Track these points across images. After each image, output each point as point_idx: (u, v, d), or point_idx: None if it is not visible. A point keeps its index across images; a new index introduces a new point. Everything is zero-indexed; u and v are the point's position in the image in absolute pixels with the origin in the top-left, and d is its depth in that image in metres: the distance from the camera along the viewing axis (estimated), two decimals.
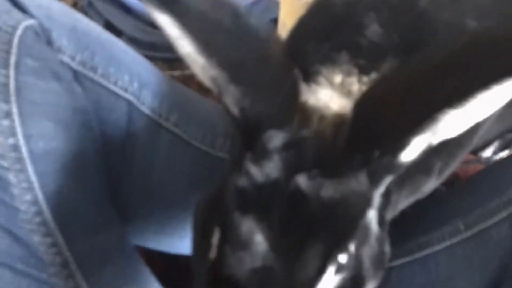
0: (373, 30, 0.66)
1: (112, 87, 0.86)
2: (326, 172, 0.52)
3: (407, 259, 0.82)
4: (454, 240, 0.79)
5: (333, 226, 0.51)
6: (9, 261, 0.76)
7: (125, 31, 1.48)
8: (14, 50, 0.75)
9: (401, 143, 0.50)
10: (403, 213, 0.77)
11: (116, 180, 0.90)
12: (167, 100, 0.92)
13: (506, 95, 0.47)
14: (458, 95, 0.46)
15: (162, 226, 0.96)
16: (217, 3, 0.57)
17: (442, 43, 0.54)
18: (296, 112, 0.56)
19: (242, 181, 0.53)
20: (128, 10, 1.48)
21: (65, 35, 0.82)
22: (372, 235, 0.57)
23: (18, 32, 0.76)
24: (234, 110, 0.54)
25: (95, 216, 0.83)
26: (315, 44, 0.68)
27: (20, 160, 0.74)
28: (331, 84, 0.62)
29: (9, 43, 0.75)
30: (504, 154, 1.08)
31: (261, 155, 0.54)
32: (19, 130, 0.74)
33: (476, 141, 0.79)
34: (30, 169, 0.74)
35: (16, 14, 0.77)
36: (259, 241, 0.51)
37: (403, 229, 0.83)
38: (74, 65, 0.83)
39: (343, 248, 0.52)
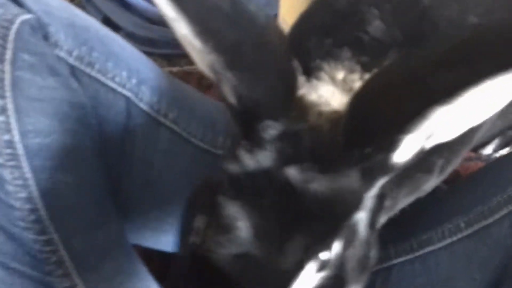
0: (376, 26, 0.66)
1: (110, 83, 0.86)
2: (318, 166, 0.52)
3: (408, 257, 0.82)
4: (455, 238, 0.79)
5: (319, 222, 0.51)
6: (2, 259, 0.75)
7: (123, 27, 1.47)
8: (10, 45, 0.74)
9: (392, 141, 0.50)
10: (404, 211, 0.76)
11: (115, 176, 0.89)
12: (166, 96, 0.91)
13: (496, 96, 0.47)
14: (446, 92, 0.46)
15: (161, 223, 0.95)
16: None
17: (437, 41, 0.54)
18: (293, 104, 0.56)
19: (234, 168, 0.53)
20: (126, 6, 1.47)
21: (63, 30, 0.82)
22: (359, 238, 0.56)
23: (15, 27, 0.75)
24: (231, 98, 0.54)
25: (93, 212, 0.83)
26: (317, 39, 0.68)
27: (15, 156, 0.73)
28: (333, 80, 0.62)
29: (5, 37, 0.74)
30: (504, 151, 1.08)
31: (255, 144, 0.54)
32: (14, 126, 0.73)
33: (478, 138, 0.78)
34: (25, 165, 0.74)
35: (13, 8, 0.77)
36: (244, 227, 0.51)
37: (403, 227, 0.83)
38: (71, 60, 0.82)
39: (326, 246, 0.52)
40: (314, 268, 0.52)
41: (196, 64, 0.56)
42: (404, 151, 0.51)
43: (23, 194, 0.74)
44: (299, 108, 0.56)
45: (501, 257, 0.75)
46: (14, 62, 0.74)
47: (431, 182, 0.75)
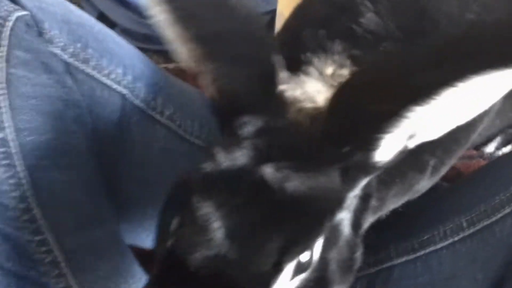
0: (369, 18, 0.66)
1: (105, 80, 0.85)
2: (295, 164, 0.50)
3: (409, 257, 0.81)
4: (457, 237, 0.78)
5: (296, 222, 0.50)
6: None
7: (119, 23, 1.47)
8: (4, 42, 0.73)
9: (371, 140, 0.49)
10: (405, 210, 0.76)
11: (111, 174, 0.88)
12: (161, 93, 0.90)
13: (477, 95, 0.46)
14: (425, 92, 0.45)
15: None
16: None
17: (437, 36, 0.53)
18: (273, 100, 0.54)
19: (208, 166, 0.52)
20: (122, 2, 1.47)
21: (57, 26, 0.81)
22: (342, 238, 0.55)
23: (9, 24, 0.74)
24: (211, 90, 0.53)
25: (88, 211, 0.82)
26: (311, 31, 0.67)
27: (8, 155, 0.72)
28: (321, 75, 0.61)
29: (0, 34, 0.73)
30: (506, 149, 1.07)
31: (231, 140, 0.52)
32: (8, 124, 0.72)
33: (474, 137, 0.78)
34: (18, 164, 0.73)
35: (7, 5, 0.76)
36: (216, 228, 0.49)
37: (404, 226, 0.83)
38: (66, 57, 0.81)
39: (305, 246, 0.50)
40: (294, 270, 0.51)
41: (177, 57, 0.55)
42: (385, 151, 0.50)
43: (16, 193, 0.73)
44: (279, 104, 0.55)
45: (504, 256, 0.75)
46: (8, 59, 0.73)
47: (424, 182, 0.74)
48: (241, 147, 0.52)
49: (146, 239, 0.96)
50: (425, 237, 0.80)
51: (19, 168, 0.73)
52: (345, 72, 0.61)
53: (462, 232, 0.78)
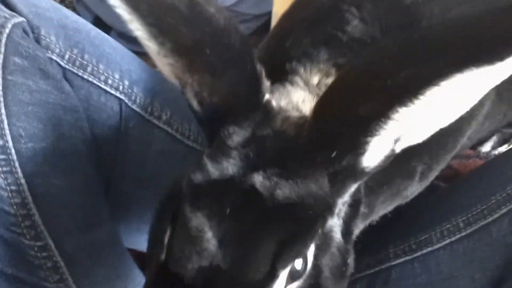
0: (354, 26, 0.65)
1: (102, 85, 0.85)
2: (284, 171, 0.51)
3: (407, 258, 0.81)
4: (453, 237, 0.78)
5: (288, 228, 0.50)
6: (0, 266, 0.75)
7: (114, 26, 1.46)
8: (1, 49, 0.73)
9: (357, 144, 0.49)
10: (404, 211, 0.76)
11: (109, 178, 0.89)
12: (158, 97, 0.90)
13: (461, 95, 0.46)
14: (407, 92, 0.46)
15: None
16: None
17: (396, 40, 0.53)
18: (258, 109, 0.54)
19: (197, 177, 0.52)
20: None
21: (54, 32, 0.81)
22: (334, 245, 0.55)
23: (6, 31, 0.74)
24: (194, 103, 0.53)
25: (88, 212, 0.82)
26: (295, 39, 0.67)
27: (8, 162, 0.72)
28: (307, 85, 0.61)
29: None
30: (503, 148, 1.08)
31: (219, 150, 0.52)
32: (7, 131, 0.72)
33: (463, 142, 0.78)
34: (18, 171, 0.73)
35: (4, 12, 0.76)
36: (208, 238, 0.49)
37: (402, 227, 0.83)
38: (63, 63, 0.81)
39: (298, 253, 0.50)
40: (287, 278, 0.51)
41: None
42: (373, 155, 0.50)
43: (17, 200, 0.73)
44: (265, 113, 0.54)
45: (502, 256, 0.75)
46: (5, 66, 0.73)
47: (412, 188, 0.74)
48: (230, 156, 0.52)
49: (145, 243, 0.96)
50: (422, 238, 0.81)
51: (19, 175, 0.73)
52: (331, 81, 0.61)
53: (459, 232, 0.78)
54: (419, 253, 0.81)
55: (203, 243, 0.49)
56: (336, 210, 0.55)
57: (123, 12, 0.51)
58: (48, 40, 0.80)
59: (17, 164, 0.73)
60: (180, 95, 0.93)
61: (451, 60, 0.44)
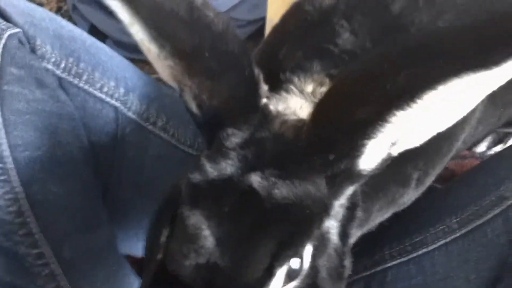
0: (345, 38, 0.66)
1: (98, 93, 0.85)
2: (282, 172, 0.51)
3: (403, 259, 0.82)
4: (448, 238, 0.79)
5: (285, 227, 0.50)
6: None
7: (110, 34, 1.47)
8: None
9: (354, 147, 0.49)
10: (400, 212, 0.76)
11: (106, 184, 0.89)
12: (154, 104, 0.91)
13: (457, 100, 0.46)
14: (404, 95, 0.46)
15: None
16: None
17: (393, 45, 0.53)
18: (256, 112, 0.55)
19: (196, 177, 0.52)
20: (113, 13, 1.46)
21: (49, 41, 0.81)
22: (331, 246, 0.56)
23: (2, 41, 0.75)
24: (192, 106, 0.53)
25: (85, 217, 0.82)
26: (288, 51, 0.68)
27: (5, 170, 0.73)
28: (302, 93, 0.62)
29: None
30: (497, 148, 1.08)
31: (217, 152, 0.53)
32: (4, 140, 0.73)
33: (458, 146, 0.78)
34: (15, 180, 0.73)
35: (0, 23, 0.76)
36: (206, 236, 0.50)
37: (399, 228, 0.83)
38: (58, 72, 0.82)
39: (295, 252, 0.51)
40: (284, 278, 0.51)
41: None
42: (370, 158, 0.51)
43: (13, 208, 0.73)
44: (263, 116, 0.55)
45: (497, 256, 0.75)
46: (2, 76, 0.74)
47: (408, 196, 0.75)
48: (228, 157, 0.52)
49: (142, 249, 0.96)
50: (417, 239, 0.81)
51: (15, 184, 0.73)
52: (325, 89, 0.61)
53: (453, 233, 0.78)
54: (414, 254, 0.81)
55: (201, 240, 0.50)
56: (333, 212, 0.55)
57: (125, 16, 0.51)
58: (44, 49, 0.80)
59: (13, 172, 0.73)
60: (176, 101, 0.95)
61: (448, 64, 0.45)
